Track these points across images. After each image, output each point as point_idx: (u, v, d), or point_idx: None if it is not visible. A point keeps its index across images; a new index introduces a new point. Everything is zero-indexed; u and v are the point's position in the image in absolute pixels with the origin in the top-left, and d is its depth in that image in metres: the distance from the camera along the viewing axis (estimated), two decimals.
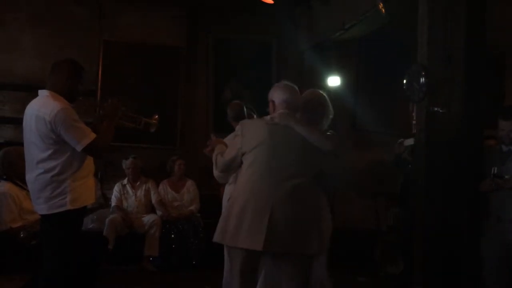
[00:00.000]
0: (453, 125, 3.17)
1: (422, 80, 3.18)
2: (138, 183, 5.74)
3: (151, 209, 5.70)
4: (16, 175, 3.88)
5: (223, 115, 4.45)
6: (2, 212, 3.84)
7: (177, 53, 6.27)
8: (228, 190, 3.87)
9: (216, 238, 2.87)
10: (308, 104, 3.05)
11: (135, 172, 5.71)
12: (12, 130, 5.62)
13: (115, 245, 5.15)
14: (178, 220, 5.55)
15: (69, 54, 3.63)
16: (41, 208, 2.96)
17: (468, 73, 3.17)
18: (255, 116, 4.04)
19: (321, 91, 3.24)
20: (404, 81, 3.35)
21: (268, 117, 2.90)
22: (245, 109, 4.09)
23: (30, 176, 2.99)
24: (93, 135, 2.93)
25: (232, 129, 4.07)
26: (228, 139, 3.98)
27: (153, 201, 5.69)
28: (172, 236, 5.42)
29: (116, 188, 5.71)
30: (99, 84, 5.99)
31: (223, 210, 3.94)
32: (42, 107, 2.92)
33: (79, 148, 2.89)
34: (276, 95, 2.91)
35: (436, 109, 3.16)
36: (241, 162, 2.86)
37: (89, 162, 3.05)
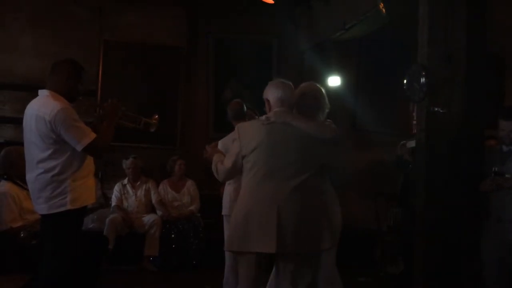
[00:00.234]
0: (454, 125, 3.17)
1: (423, 80, 3.18)
2: (139, 183, 5.74)
3: (151, 209, 5.70)
4: (17, 175, 3.88)
5: (223, 115, 4.45)
6: (3, 212, 3.84)
7: (177, 53, 6.27)
8: (228, 190, 3.87)
9: (227, 246, 2.86)
10: (302, 98, 2.99)
11: (135, 172, 5.71)
12: (12, 129, 5.62)
13: (115, 245, 5.15)
14: (178, 220, 5.55)
15: (69, 54, 3.63)
16: (41, 208, 2.96)
17: (468, 73, 3.17)
18: (257, 116, 4.03)
19: (316, 84, 3.18)
20: (405, 81, 3.35)
21: (263, 117, 2.87)
22: (245, 108, 4.08)
23: (30, 176, 2.99)
24: (93, 135, 2.93)
25: (232, 129, 4.08)
26: (225, 140, 3.99)
27: (153, 201, 5.70)
28: (172, 236, 5.42)
29: (117, 188, 5.71)
30: (99, 84, 5.99)
31: (224, 210, 3.96)
32: (42, 107, 2.92)
33: (79, 148, 2.89)
34: (270, 94, 2.88)
35: (436, 109, 3.16)
36: (242, 166, 2.83)
37: (89, 162, 3.05)
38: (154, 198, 5.70)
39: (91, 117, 3.29)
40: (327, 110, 3.09)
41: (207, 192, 5.73)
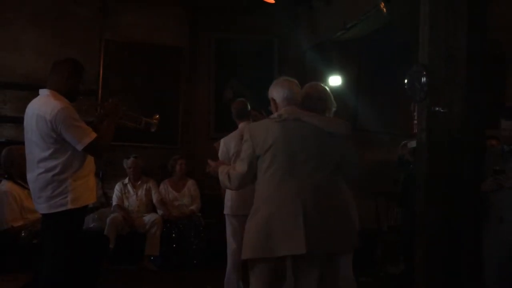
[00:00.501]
0: (455, 125, 3.17)
1: (424, 80, 3.18)
2: (139, 182, 5.74)
3: (152, 209, 5.70)
4: (18, 174, 3.89)
5: (224, 114, 4.47)
6: (4, 211, 3.85)
7: (178, 52, 6.27)
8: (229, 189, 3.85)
9: (248, 254, 2.64)
10: (307, 100, 2.91)
11: (136, 172, 5.71)
12: (13, 129, 5.63)
13: (116, 244, 5.16)
14: (179, 219, 5.55)
15: (70, 54, 3.63)
16: (42, 207, 2.96)
17: (469, 73, 3.17)
18: (264, 115, 4.01)
19: (321, 85, 3.11)
20: (405, 81, 3.34)
21: (275, 115, 2.75)
22: (248, 107, 4.08)
23: (31, 175, 3.00)
24: (93, 135, 2.93)
25: (233, 128, 4.08)
26: (227, 139, 3.99)
27: (154, 200, 5.70)
28: (173, 235, 5.43)
29: (117, 187, 5.71)
30: (100, 83, 5.99)
31: (226, 209, 3.96)
32: (42, 106, 2.92)
33: (79, 147, 2.89)
34: (276, 93, 2.81)
35: (437, 108, 3.16)
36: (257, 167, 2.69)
37: (90, 161, 3.05)
38: (155, 198, 5.70)
39: (92, 117, 3.29)
40: (334, 109, 3.04)
41: (208, 192, 5.74)
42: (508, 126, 3.27)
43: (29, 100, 3.10)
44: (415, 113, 3.67)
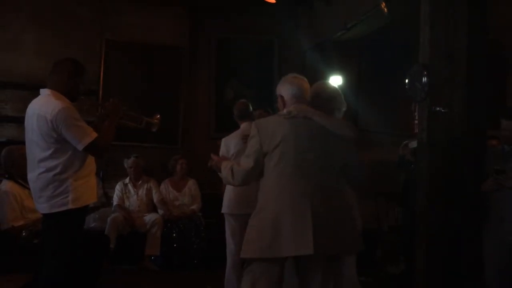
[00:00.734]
0: (455, 125, 3.17)
1: (424, 79, 3.18)
2: (140, 182, 5.74)
3: (153, 208, 5.70)
4: (18, 174, 3.89)
5: (224, 114, 4.47)
6: (4, 211, 3.85)
7: (178, 52, 6.27)
8: (231, 188, 3.85)
9: (248, 253, 2.59)
10: (316, 99, 2.84)
11: (137, 171, 5.71)
12: (14, 129, 5.62)
13: (116, 244, 5.15)
14: (180, 219, 5.55)
15: (71, 53, 3.63)
16: (43, 207, 2.96)
17: (470, 72, 3.16)
18: (270, 112, 4.00)
19: (330, 84, 3.05)
20: (406, 81, 3.34)
21: (284, 112, 2.70)
22: (250, 108, 4.09)
23: (32, 175, 3.00)
24: (94, 134, 2.93)
25: (234, 128, 4.09)
26: (227, 139, 3.99)
27: (155, 200, 5.70)
28: (174, 235, 5.43)
29: (118, 187, 5.71)
30: (101, 83, 6.00)
31: (224, 209, 3.95)
32: (43, 106, 2.92)
33: (80, 147, 2.89)
34: (284, 90, 2.75)
35: (438, 108, 3.15)
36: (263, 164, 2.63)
37: (91, 161, 3.05)
38: (155, 197, 5.70)
39: (93, 117, 3.29)
40: (344, 109, 2.98)
41: (209, 192, 5.74)
42: (508, 126, 3.27)
43: (29, 100, 3.09)
44: (416, 113, 3.67)
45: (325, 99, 2.88)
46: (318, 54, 6.10)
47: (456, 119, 3.16)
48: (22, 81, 5.65)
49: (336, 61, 6.07)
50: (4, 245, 3.77)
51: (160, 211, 5.61)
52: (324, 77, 5.90)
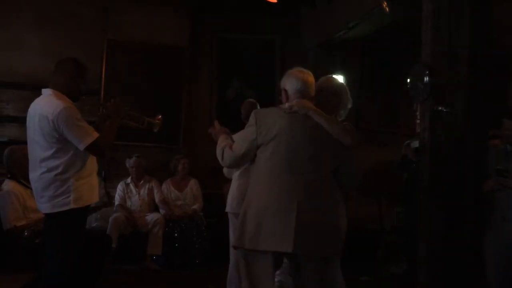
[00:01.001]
0: (457, 124, 3.16)
1: (426, 79, 3.17)
2: (142, 182, 5.75)
3: (155, 208, 5.71)
4: (20, 173, 3.89)
5: (226, 114, 4.46)
6: (6, 210, 3.85)
7: (180, 52, 6.27)
8: (235, 186, 3.83)
9: (235, 242, 2.61)
10: (321, 94, 2.77)
11: (138, 171, 5.72)
12: (16, 128, 5.64)
13: (118, 243, 5.16)
14: (181, 219, 5.55)
15: (73, 53, 3.63)
16: (45, 207, 2.97)
17: (472, 72, 3.16)
18: None
19: (336, 79, 2.99)
20: (408, 81, 3.34)
21: (286, 105, 2.63)
22: (258, 107, 4.08)
23: (34, 175, 3.00)
24: (95, 134, 2.93)
25: (237, 129, 4.07)
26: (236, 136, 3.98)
27: (156, 200, 5.70)
28: (176, 235, 5.43)
29: (120, 187, 5.72)
30: (103, 83, 6.00)
31: (227, 207, 3.95)
32: (45, 106, 2.92)
33: (81, 147, 2.90)
34: (289, 84, 2.69)
35: (440, 108, 3.15)
36: (255, 156, 2.61)
37: (92, 161, 3.06)
38: (157, 197, 5.70)
39: (94, 116, 3.29)
40: (349, 106, 2.91)
41: (210, 191, 5.74)
42: (510, 125, 3.26)
43: (31, 99, 3.10)
44: (418, 113, 3.66)
45: (329, 94, 2.82)
46: (320, 53, 6.10)
47: (458, 119, 3.16)
48: (24, 81, 5.66)
49: (338, 60, 6.07)
50: (6, 245, 3.78)
51: (162, 211, 5.61)
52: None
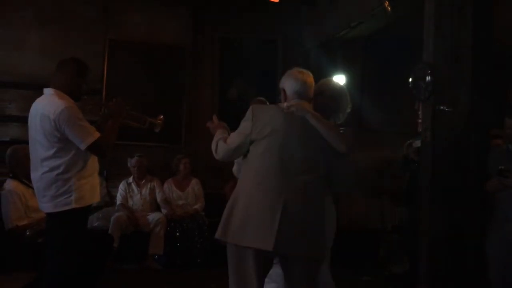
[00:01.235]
0: (459, 123, 3.16)
1: (428, 78, 3.17)
2: (143, 181, 5.75)
3: (156, 208, 5.71)
4: (23, 173, 3.90)
5: (228, 113, 4.45)
6: (8, 210, 3.86)
7: (182, 52, 6.27)
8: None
9: (218, 233, 2.59)
10: (319, 96, 2.78)
11: (140, 171, 5.72)
12: (18, 128, 5.64)
13: (120, 243, 5.16)
14: (183, 218, 5.55)
15: (75, 53, 3.63)
16: (47, 206, 2.97)
17: (474, 71, 3.15)
18: None
19: (335, 82, 2.97)
20: (410, 80, 3.33)
21: (285, 104, 2.63)
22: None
23: (35, 174, 3.00)
24: (97, 134, 2.93)
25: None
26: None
27: (158, 199, 5.71)
28: (177, 234, 5.43)
29: (122, 186, 5.72)
30: (104, 83, 6.00)
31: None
32: (47, 106, 2.93)
33: (82, 146, 2.90)
34: (288, 84, 2.68)
35: (442, 107, 3.15)
36: (247, 151, 2.61)
37: (94, 160, 3.06)
38: (159, 197, 5.71)
39: (96, 116, 3.29)
40: (348, 110, 2.91)
41: (212, 191, 5.74)
42: None
43: (33, 99, 3.10)
44: (420, 112, 3.65)
45: (328, 97, 2.82)
46: (322, 53, 6.09)
47: (460, 118, 3.16)
48: (26, 81, 5.66)
49: (340, 60, 6.06)
50: (9, 244, 3.78)
51: (164, 211, 5.61)
52: (328, 76, 5.88)
